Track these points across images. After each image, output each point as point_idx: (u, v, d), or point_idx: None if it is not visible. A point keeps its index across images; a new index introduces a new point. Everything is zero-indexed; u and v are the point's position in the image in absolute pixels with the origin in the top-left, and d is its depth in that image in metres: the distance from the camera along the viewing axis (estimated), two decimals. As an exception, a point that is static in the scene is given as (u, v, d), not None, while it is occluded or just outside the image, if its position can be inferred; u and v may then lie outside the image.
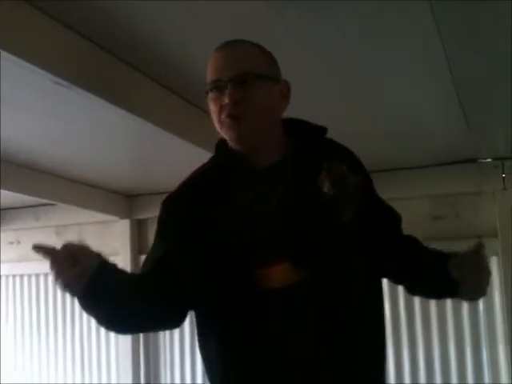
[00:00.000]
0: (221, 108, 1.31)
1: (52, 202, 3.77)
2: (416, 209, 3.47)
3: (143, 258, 4.42)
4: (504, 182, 3.21)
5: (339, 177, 1.35)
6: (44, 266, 4.13)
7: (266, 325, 1.25)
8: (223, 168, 1.38)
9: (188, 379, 3.92)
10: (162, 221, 1.40)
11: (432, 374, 3.37)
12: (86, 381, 4.19)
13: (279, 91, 1.36)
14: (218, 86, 1.31)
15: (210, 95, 1.33)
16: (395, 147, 3.04)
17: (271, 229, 1.28)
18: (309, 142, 1.40)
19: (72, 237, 4.32)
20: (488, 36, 1.78)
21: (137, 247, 4.08)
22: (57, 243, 4.22)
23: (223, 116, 1.30)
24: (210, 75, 1.34)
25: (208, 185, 1.34)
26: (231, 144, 1.36)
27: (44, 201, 3.73)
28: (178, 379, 3.96)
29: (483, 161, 3.26)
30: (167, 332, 3.98)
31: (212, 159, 1.45)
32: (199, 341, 1.38)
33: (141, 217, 4.06)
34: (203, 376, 3.82)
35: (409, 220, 3.65)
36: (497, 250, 3.22)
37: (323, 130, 1.42)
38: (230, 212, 1.30)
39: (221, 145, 1.42)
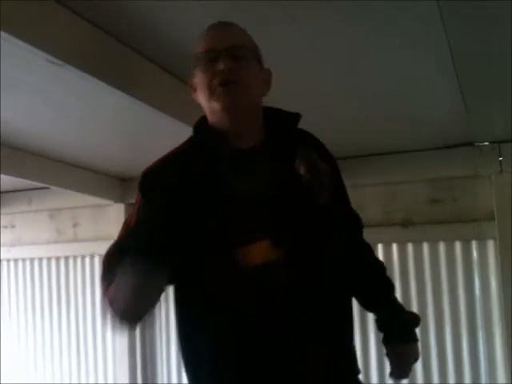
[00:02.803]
0: (213, 75, 1.33)
1: (46, 186, 3.73)
2: (413, 192, 3.48)
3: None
4: (501, 165, 3.20)
5: (312, 162, 1.44)
6: (38, 250, 4.11)
7: (246, 300, 1.30)
8: (204, 144, 1.39)
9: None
10: (147, 192, 1.39)
11: (428, 356, 3.38)
12: (82, 366, 4.20)
13: (264, 76, 1.42)
14: (209, 57, 1.33)
15: (201, 66, 1.36)
16: (393, 131, 3.02)
17: (255, 207, 1.32)
18: (284, 128, 1.45)
19: (66, 221, 4.30)
20: (489, 20, 1.76)
21: (131, 231, 4.04)
22: (50, 227, 4.18)
23: (216, 82, 1.32)
24: (201, 46, 1.36)
25: (190, 160, 1.35)
26: (219, 115, 1.36)
27: (38, 184, 3.69)
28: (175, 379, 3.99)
29: (480, 144, 3.24)
30: (163, 330, 4.00)
31: (190, 139, 1.47)
32: (180, 321, 1.40)
33: (135, 200, 4.03)
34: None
35: (406, 204, 3.70)
36: (494, 234, 3.22)
37: (297, 116, 1.46)
38: (215, 188, 1.32)
39: (200, 124, 1.45)
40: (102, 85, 1.82)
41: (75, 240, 4.27)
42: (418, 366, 3.39)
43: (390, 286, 1.68)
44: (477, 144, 3.23)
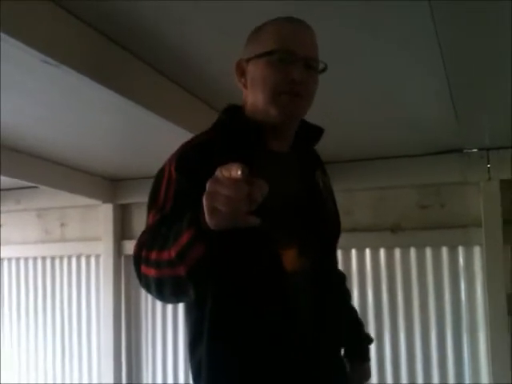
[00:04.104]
0: (282, 79, 1.28)
1: (34, 185, 3.71)
2: (402, 198, 3.50)
3: (126, 243, 4.36)
4: (489, 172, 3.23)
5: (325, 178, 1.49)
6: (25, 249, 4.06)
7: (276, 303, 1.27)
8: (241, 140, 1.31)
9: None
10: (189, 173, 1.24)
11: (413, 359, 3.41)
12: (67, 365, 4.17)
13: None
14: (285, 58, 1.28)
15: (270, 62, 1.29)
16: (383, 136, 3.04)
17: (288, 213, 1.31)
18: (310, 139, 1.46)
19: (54, 220, 4.28)
20: (481, 28, 1.77)
21: (120, 232, 4.05)
22: (38, 227, 4.14)
23: (283, 89, 1.28)
24: (280, 42, 1.30)
25: (225, 153, 1.22)
26: (270, 119, 1.31)
27: (26, 183, 3.67)
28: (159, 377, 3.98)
29: (469, 151, 3.27)
30: (149, 330, 3.99)
31: (221, 126, 1.39)
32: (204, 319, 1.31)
33: (124, 201, 4.03)
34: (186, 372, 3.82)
35: (395, 209, 3.71)
36: (480, 240, 3.25)
37: (321, 130, 1.46)
38: None
39: (235, 114, 1.38)
40: (95, 85, 1.81)
41: (62, 240, 4.25)
42: (403, 369, 3.42)
43: (351, 297, 1.76)
44: (466, 151, 3.26)
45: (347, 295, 1.73)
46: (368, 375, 1.69)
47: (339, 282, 1.65)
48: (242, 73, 1.36)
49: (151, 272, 1.14)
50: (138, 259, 1.19)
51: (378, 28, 1.81)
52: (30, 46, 1.51)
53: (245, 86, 1.36)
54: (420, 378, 3.39)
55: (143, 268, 1.17)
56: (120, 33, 1.81)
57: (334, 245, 1.49)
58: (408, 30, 1.80)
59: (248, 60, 1.34)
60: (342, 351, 1.57)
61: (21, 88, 2.14)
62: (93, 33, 1.76)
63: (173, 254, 1.07)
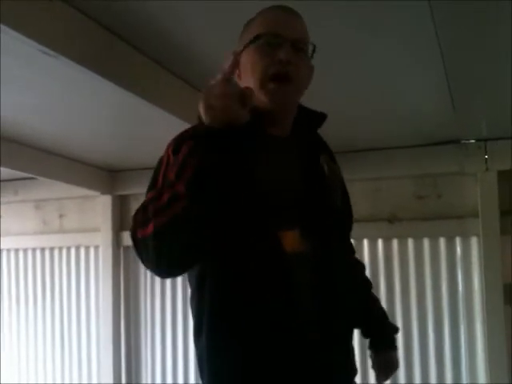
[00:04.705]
0: (270, 63, 1.30)
1: (32, 176, 3.71)
2: (399, 188, 3.50)
3: (125, 234, 4.32)
4: (486, 162, 3.23)
5: (332, 163, 1.48)
6: (24, 240, 4.04)
7: (276, 285, 1.27)
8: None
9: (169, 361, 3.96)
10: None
11: (410, 349, 3.42)
12: (66, 354, 4.19)
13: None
14: (272, 42, 1.31)
15: (259, 47, 1.32)
16: (380, 127, 3.04)
17: (289, 195, 1.32)
18: (312, 125, 1.47)
19: (52, 211, 4.29)
20: (478, 21, 1.78)
21: (118, 223, 4.05)
22: (36, 218, 4.12)
23: (272, 71, 1.30)
24: (267, 27, 1.32)
25: (227, 135, 1.22)
26: (263, 105, 1.32)
27: (24, 175, 3.67)
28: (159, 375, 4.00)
29: (466, 142, 3.28)
30: (148, 330, 4.00)
31: None
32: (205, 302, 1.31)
33: (123, 192, 4.03)
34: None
35: (392, 200, 3.71)
36: (477, 231, 3.26)
37: (324, 116, 1.47)
38: (253, 170, 1.29)
39: None
40: (95, 77, 1.82)
41: (61, 231, 4.26)
42: (401, 359, 3.43)
43: (372, 286, 1.75)
44: (463, 141, 3.27)
45: (367, 285, 1.72)
46: (395, 365, 1.70)
47: (356, 272, 1.64)
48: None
49: (149, 228, 1.14)
50: (135, 229, 1.19)
51: (378, 28, 1.82)
52: (29, 37, 1.51)
53: (239, 76, 1.38)
54: (417, 368, 3.41)
55: (140, 233, 1.17)
56: (120, 25, 1.82)
57: (341, 232, 1.48)
58: (406, 23, 1.81)
59: (240, 51, 1.36)
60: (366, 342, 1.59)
61: (20, 80, 2.14)
62: (92, 24, 1.77)
63: (171, 175, 1.16)
